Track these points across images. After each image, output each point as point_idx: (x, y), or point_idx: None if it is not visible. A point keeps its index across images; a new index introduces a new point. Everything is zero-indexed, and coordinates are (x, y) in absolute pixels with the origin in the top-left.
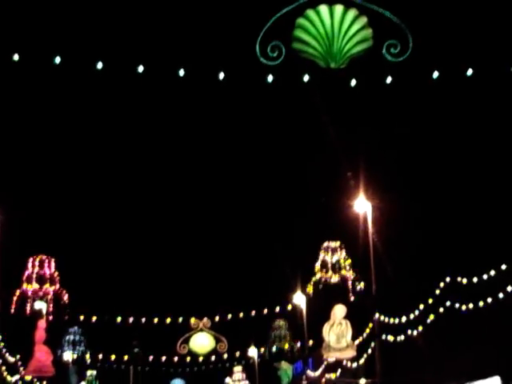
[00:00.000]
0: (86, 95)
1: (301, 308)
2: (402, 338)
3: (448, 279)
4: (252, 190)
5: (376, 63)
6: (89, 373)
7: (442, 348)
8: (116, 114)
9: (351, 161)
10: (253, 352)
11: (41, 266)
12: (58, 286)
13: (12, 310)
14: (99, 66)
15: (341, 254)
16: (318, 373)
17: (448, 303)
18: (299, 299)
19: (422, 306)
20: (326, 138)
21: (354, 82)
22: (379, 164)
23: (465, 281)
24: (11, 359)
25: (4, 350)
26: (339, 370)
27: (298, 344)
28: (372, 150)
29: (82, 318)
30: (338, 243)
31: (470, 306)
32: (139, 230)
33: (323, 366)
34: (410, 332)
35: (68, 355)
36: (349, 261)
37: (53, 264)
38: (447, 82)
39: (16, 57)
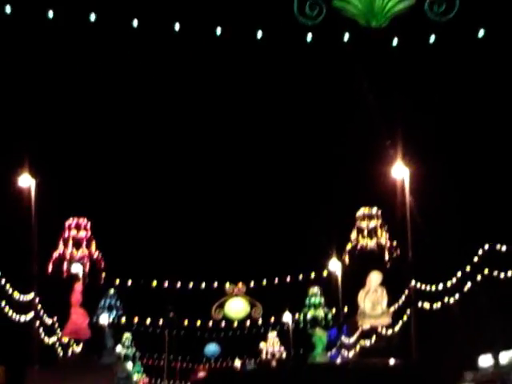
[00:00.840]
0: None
1: (336, 275)
2: (438, 305)
3: (487, 246)
4: (289, 155)
5: (419, 22)
6: (124, 336)
7: (478, 316)
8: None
9: (390, 125)
10: (287, 318)
11: (77, 228)
12: (94, 249)
13: (49, 272)
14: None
15: (377, 221)
16: (352, 339)
17: (486, 271)
18: (334, 266)
19: (459, 274)
20: (365, 100)
21: (395, 42)
22: (418, 128)
23: (504, 248)
24: (49, 321)
25: (42, 312)
26: (374, 337)
27: (333, 311)
28: (411, 114)
29: (117, 281)
30: (374, 210)
31: (509, 273)
32: (176, 194)
33: (358, 333)
34: (446, 300)
35: (104, 318)
36: (385, 227)
37: (89, 227)
38: (494, 42)
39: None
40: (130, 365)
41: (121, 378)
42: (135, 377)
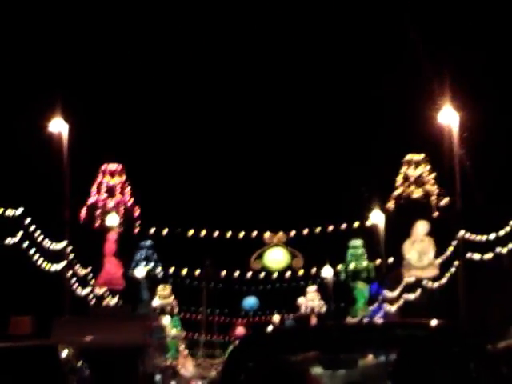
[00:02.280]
0: None
1: (379, 226)
2: (487, 256)
3: None
4: (333, 98)
5: None
6: (161, 288)
7: None
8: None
9: (437, 67)
10: (327, 271)
11: (111, 174)
12: (128, 197)
13: (81, 220)
14: None
15: (424, 168)
16: (395, 293)
17: None
18: (377, 217)
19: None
20: (410, 40)
21: None
22: (468, 70)
23: None
24: (82, 271)
25: (74, 262)
26: (419, 290)
27: (378, 262)
28: (460, 55)
29: (152, 231)
30: (421, 156)
31: None
32: (215, 139)
33: (401, 287)
34: (497, 250)
35: (140, 271)
36: (433, 175)
37: (123, 173)
38: None
39: None
40: (167, 319)
41: (156, 330)
42: (174, 331)
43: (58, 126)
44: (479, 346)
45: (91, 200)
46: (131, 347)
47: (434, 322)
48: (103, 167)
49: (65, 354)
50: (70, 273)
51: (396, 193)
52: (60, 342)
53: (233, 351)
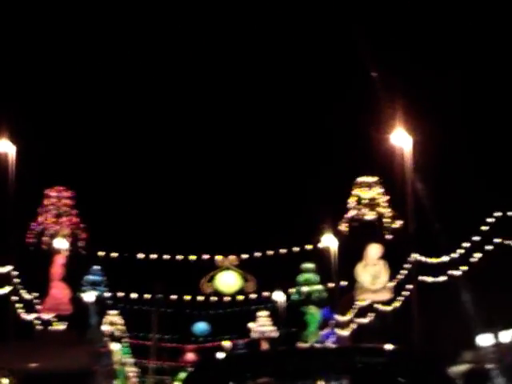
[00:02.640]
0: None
1: (331, 249)
2: (441, 279)
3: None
4: (282, 123)
5: None
6: (110, 314)
7: (486, 291)
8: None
9: (388, 88)
10: (279, 295)
11: (58, 198)
12: (75, 220)
13: (28, 244)
14: None
15: (377, 190)
16: (348, 317)
17: (497, 240)
18: (330, 240)
19: (466, 245)
20: (361, 57)
21: None
22: (421, 91)
23: None
24: (28, 296)
25: (19, 287)
26: (372, 314)
27: (330, 285)
28: (413, 76)
29: (101, 254)
30: (374, 178)
31: None
32: (165, 161)
33: (354, 311)
34: (450, 273)
35: (89, 296)
36: (385, 197)
37: (71, 197)
38: None
39: None
40: (116, 345)
41: (104, 356)
42: (122, 357)
43: (5, 148)
44: (433, 370)
45: (37, 223)
46: (77, 373)
47: (387, 347)
48: (50, 190)
49: (5, 382)
50: (15, 298)
51: (349, 215)
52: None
53: (187, 380)
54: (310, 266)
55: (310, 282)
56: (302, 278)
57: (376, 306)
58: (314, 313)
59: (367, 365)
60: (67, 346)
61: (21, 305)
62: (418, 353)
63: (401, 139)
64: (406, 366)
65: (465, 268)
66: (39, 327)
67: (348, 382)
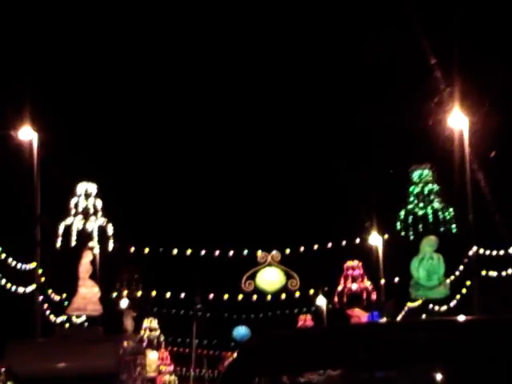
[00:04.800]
0: None
1: (377, 248)
2: (505, 273)
3: None
4: (327, 118)
5: None
6: (146, 320)
7: None
8: None
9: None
10: (321, 300)
11: (87, 196)
12: (103, 217)
13: (57, 245)
14: None
15: (432, 185)
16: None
17: None
18: (375, 240)
19: None
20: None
21: None
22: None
23: None
24: (56, 297)
25: (47, 287)
26: (423, 316)
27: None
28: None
29: (132, 249)
30: (429, 173)
31: None
32: (203, 157)
33: (403, 312)
34: None
35: (125, 302)
36: (438, 187)
37: (99, 195)
38: None
39: None
40: (154, 354)
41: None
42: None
43: (28, 135)
44: None
45: (68, 221)
46: (102, 375)
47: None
48: (78, 187)
49: None
50: (41, 298)
51: (405, 210)
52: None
53: (230, 367)
54: (355, 262)
55: (355, 280)
56: (347, 276)
57: (429, 306)
58: (360, 316)
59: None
60: (91, 343)
61: (47, 306)
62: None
63: (457, 122)
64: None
65: None
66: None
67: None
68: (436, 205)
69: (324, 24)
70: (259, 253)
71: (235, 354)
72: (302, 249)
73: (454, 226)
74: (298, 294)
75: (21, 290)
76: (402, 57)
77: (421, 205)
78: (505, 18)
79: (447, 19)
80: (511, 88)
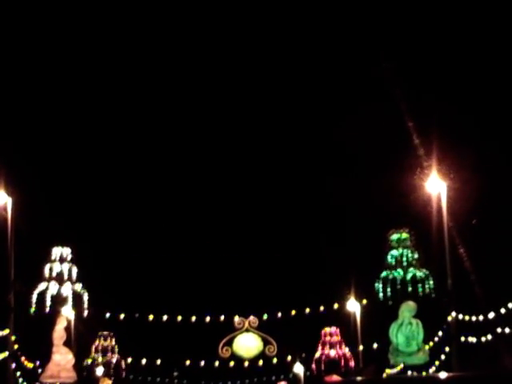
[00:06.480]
0: None
1: (355, 314)
2: (484, 339)
3: None
4: (304, 180)
5: None
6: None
7: None
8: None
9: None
10: (298, 368)
11: (61, 261)
12: (76, 282)
13: (31, 311)
14: None
15: (409, 250)
16: None
17: None
18: (353, 306)
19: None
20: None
21: None
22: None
23: None
24: (29, 364)
25: (20, 354)
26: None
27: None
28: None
29: (108, 315)
30: (406, 234)
31: None
32: (178, 223)
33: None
34: (492, 333)
35: (100, 369)
36: (416, 255)
37: (72, 259)
38: None
39: None
40: None
41: None
42: None
43: (2, 199)
44: None
45: (41, 287)
46: None
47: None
48: (53, 251)
49: None
50: (13, 365)
51: (385, 273)
52: None
53: None
54: (332, 329)
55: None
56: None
57: (408, 372)
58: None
59: None
60: None
61: (21, 374)
62: None
63: (435, 186)
64: None
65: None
66: None
67: None
68: (414, 270)
69: (299, 101)
70: (236, 318)
71: None
72: (279, 314)
73: (432, 291)
74: (275, 360)
75: None
76: (378, 126)
77: (399, 270)
78: (479, 83)
79: (424, 86)
80: (487, 155)
